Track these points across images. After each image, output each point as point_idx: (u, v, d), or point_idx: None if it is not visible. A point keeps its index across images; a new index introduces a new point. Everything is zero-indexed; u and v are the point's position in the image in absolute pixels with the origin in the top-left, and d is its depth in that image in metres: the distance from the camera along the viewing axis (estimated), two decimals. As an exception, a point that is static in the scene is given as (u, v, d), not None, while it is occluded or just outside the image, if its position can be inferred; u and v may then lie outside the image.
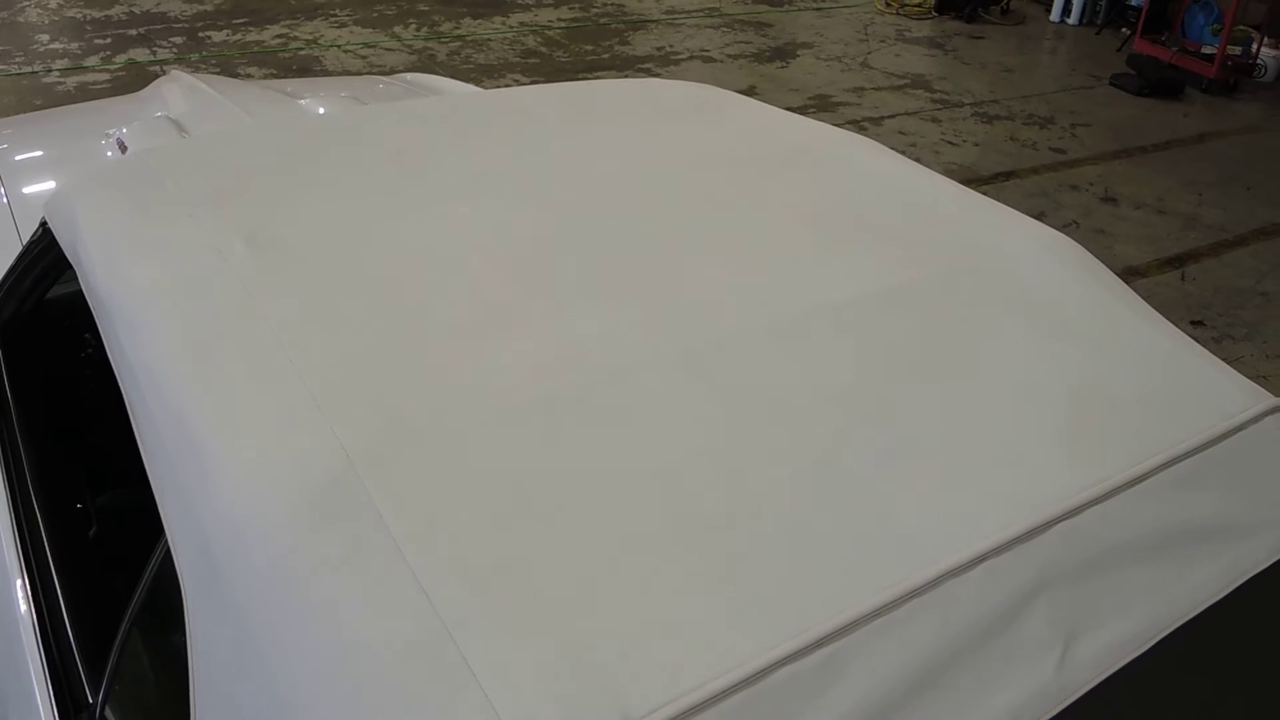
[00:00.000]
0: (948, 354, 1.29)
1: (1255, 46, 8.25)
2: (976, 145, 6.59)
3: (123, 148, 2.83)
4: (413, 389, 1.14)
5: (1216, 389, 1.35)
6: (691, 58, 7.96)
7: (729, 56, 8.08)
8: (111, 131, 3.01)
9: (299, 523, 0.99)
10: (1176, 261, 5.24)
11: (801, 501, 1.06)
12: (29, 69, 6.41)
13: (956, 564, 1.01)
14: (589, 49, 7.95)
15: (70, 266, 1.74)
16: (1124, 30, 9.18)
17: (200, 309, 1.26)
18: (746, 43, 8.51)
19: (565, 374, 1.18)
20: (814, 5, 9.79)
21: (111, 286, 1.35)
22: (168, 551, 1.19)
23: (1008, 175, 6.13)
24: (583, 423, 1.11)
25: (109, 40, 7.07)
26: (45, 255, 1.75)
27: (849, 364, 1.25)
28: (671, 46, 8.21)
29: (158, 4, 8.05)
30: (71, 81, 6.30)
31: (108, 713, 1.32)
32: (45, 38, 7.01)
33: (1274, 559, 1.21)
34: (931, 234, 1.56)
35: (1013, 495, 1.10)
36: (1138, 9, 8.85)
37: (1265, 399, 1.36)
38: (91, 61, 6.62)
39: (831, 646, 0.93)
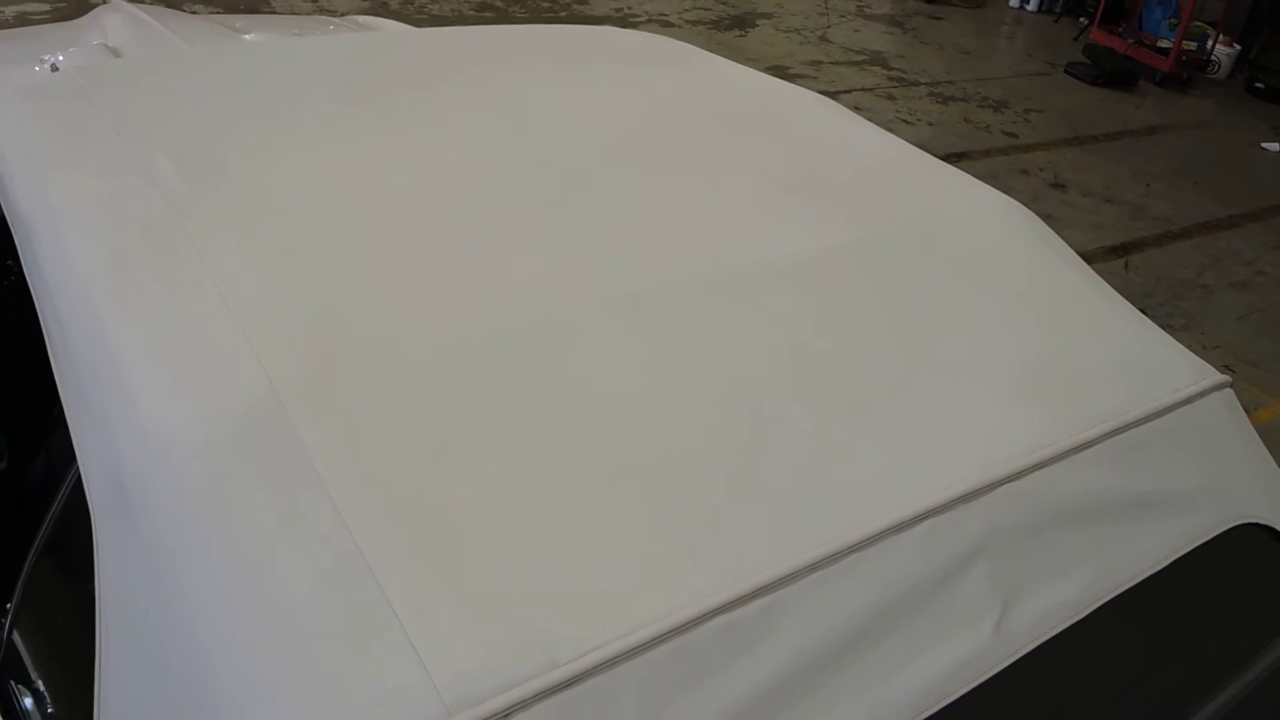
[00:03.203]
0: (896, 313, 1.26)
1: (1210, 43, 8.35)
2: (931, 125, 6.59)
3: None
4: (342, 321, 1.08)
5: (1166, 363, 1.34)
6: (650, 21, 7.87)
7: (687, 22, 8.01)
8: (47, 58, 2.88)
9: (217, 449, 0.94)
10: (1121, 250, 5.30)
11: (741, 452, 1.03)
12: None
13: (898, 521, 0.99)
14: (546, 6, 7.83)
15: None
16: (1082, 20, 9.25)
17: (123, 228, 1.19)
18: (706, 9, 8.44)
19: (502, 314, 1.13)
20: (777, -23, 9.74)
21: (32, 202, 1.27)
22: (78, 481, 1.13)
23: (960, 156, 6.14)
24: (517, 363, 1.07)
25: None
26: None
27: (795, 318, 1.21)
28: (630, 9, 8.11)
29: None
30: (10, 11, 6.07)
31: (15, 641, 1.26)
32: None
33: (1215, 532, 1.20)
34: (887, 194, 1.53)
35: (957, 455, 1.08)
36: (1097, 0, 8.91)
37: (1213, 375, 1.35)
38: (34, -9, 6.38)
39: (767, 598, 0.90)
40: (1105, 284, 1.49)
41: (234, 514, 0.90)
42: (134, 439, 0.97)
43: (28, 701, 1.21)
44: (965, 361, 1.21)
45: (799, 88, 1.95)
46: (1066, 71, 8.07)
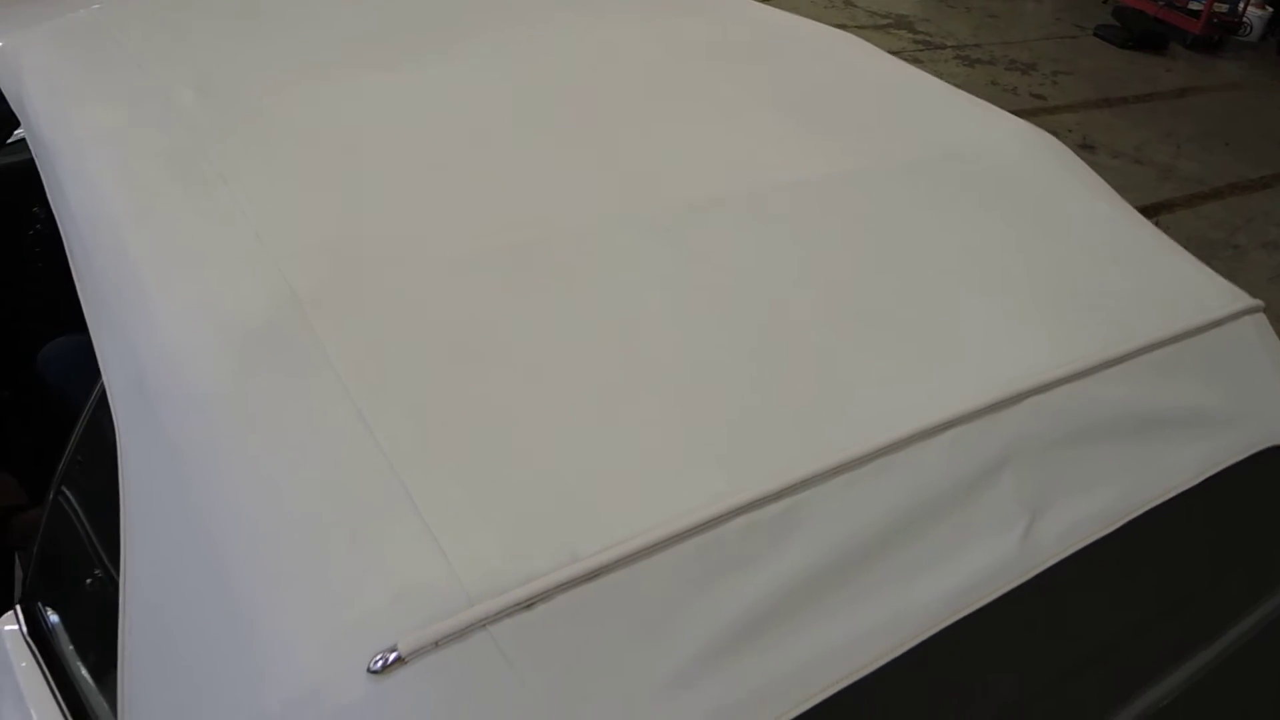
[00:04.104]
0: (920, 233, 1.25)
1: (1242, 5, 8.21)
2: (958, 87, 6.52)
3: None
4: (364, 236, 1.08)
5: (1196, 286, 1.32)
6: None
7: (713, -11, 7.93)
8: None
9: (240, 355, 0.94)
10: (1151, 211, 5.23)
11: (763, 360, 1.02)
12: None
13: (923, 428, 0.98)
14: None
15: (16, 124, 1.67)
16: (1111, -17, 9.10)
17: (146, 151, 1.19)
18: (731, -24, 8.36)
19: (522, 229, 1.13)
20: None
21: (56, 131, 1.28)
22: (100, 399, 1.14)
23: (988, 119, 6.07)
24: (538, 274, 1.07)
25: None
26: None
27: (817, 235, 1.20)
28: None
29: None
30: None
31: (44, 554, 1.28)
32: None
33: (1244, 455, 1.19)
34: (913, 122, 1.51)
35: (984, 368, 1.07)
36: (1126, -39, 8.76)
37: (1244, 299, 1.33)
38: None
39: (791, 499, 0.89)
40: (1134, 210, 1.47)
41: (255, 414, 0.90)
42: (156, 344, 0.98)
43: (54, 619, 1.22)
44: (991, 279, 1.20)
45: (825, 25, 1.93)
46: (1095, 34, 7.95)
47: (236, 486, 0.87)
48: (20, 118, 1.41)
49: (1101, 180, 1.53)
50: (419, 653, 0.75)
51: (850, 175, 1.32)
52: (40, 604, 1.25)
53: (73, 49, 1.46)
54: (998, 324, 1.13)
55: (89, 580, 1.19)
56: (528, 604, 0.78)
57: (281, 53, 1.47)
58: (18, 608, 1.25)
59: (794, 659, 0.84)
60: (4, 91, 1.47)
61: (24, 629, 1.22)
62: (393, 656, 0.75)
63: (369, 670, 0.75)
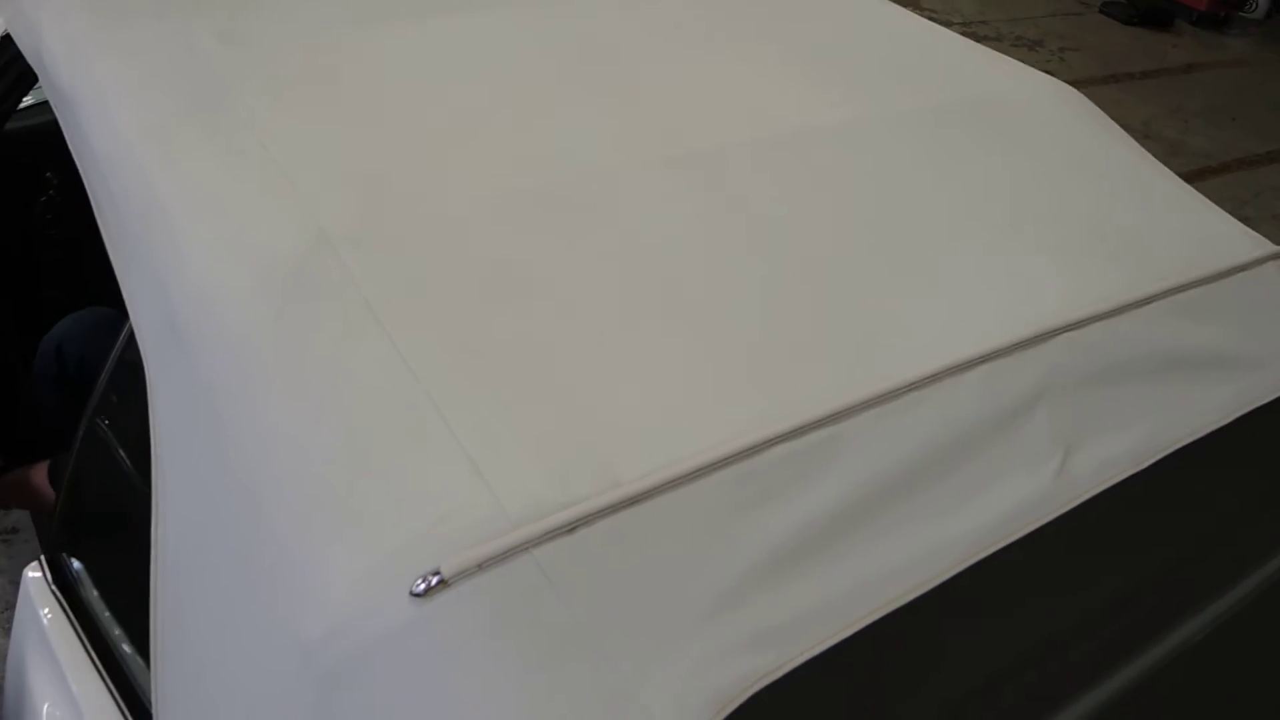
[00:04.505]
0: (947, 175, 1.25)
1: (1248, -19, 8.16)
2: (964, 65, 6.49)
3: None
4: (393, 174, 1.08)
5: (1221, 233, 1.32)
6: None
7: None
8: None
9: (272, 289, 0.94)
10: (1159, 185, 5.21)
11: (797, 296, 1.02)
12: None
13: (956, 362, 0.98)
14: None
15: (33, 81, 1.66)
16: (1116, -41, 9.05)
17: (170, 95, 1.18)
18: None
19: (550, 170, 1.12)
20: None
21: (76, 79, 1.27)
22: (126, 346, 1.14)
23: (994, 95, 6.05)
24: (568, 211, 1.06)
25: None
26: (5, 74, 1.66)
27: (845, 176, 1.20)
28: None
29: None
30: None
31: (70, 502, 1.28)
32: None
33: (1272, 396, 1.18)
34: (938, 71, 1.51)
35: (1014, 305, 1.07)
36: (1132, -62, 8.71)
37: (1268, 245, 1.33)
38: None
39: (828, 429, 0.89)
40: (1157, 161, 1.47)
41: (288, 347, 0.90)
42: (186, 283, 0.97)
43: (80, 568, 1.22)
44: (1019, 220, 1.20)
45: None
46: (1101, 11, 7.91)
47: (271, 419, 0.87)
48: (39, 72, 1.40)
49: (1124, 132, 1.52)
50: (462, 575, 0.75)
51: (878, 119, 1.32)
52: (65, 555, 1.25)
53: (90, 3, 1.45)
54: (1026, 263, 1.13)
55: (116, 527, 1.19)
56: (570, 528, 0.78)
57: (303, 6, 1.46)
58: (42, 558, 1.25)
59: (835, 587, 0.84)
60: (22, 48, 1.46)
61: (49, 578, 1.22)
62: (435, 579, 0.74)
63: (411, 594, 0.74)
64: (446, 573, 0.74)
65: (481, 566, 0.75)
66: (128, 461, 1.17)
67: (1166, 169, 1.46)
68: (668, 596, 0.78)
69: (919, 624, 0.87)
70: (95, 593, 1.20)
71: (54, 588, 1.21)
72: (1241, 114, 6.33)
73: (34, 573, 1.22)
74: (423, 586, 0.74)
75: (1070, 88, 1.56)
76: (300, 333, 0.91)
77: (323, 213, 1.00)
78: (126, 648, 1.14)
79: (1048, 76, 1.58)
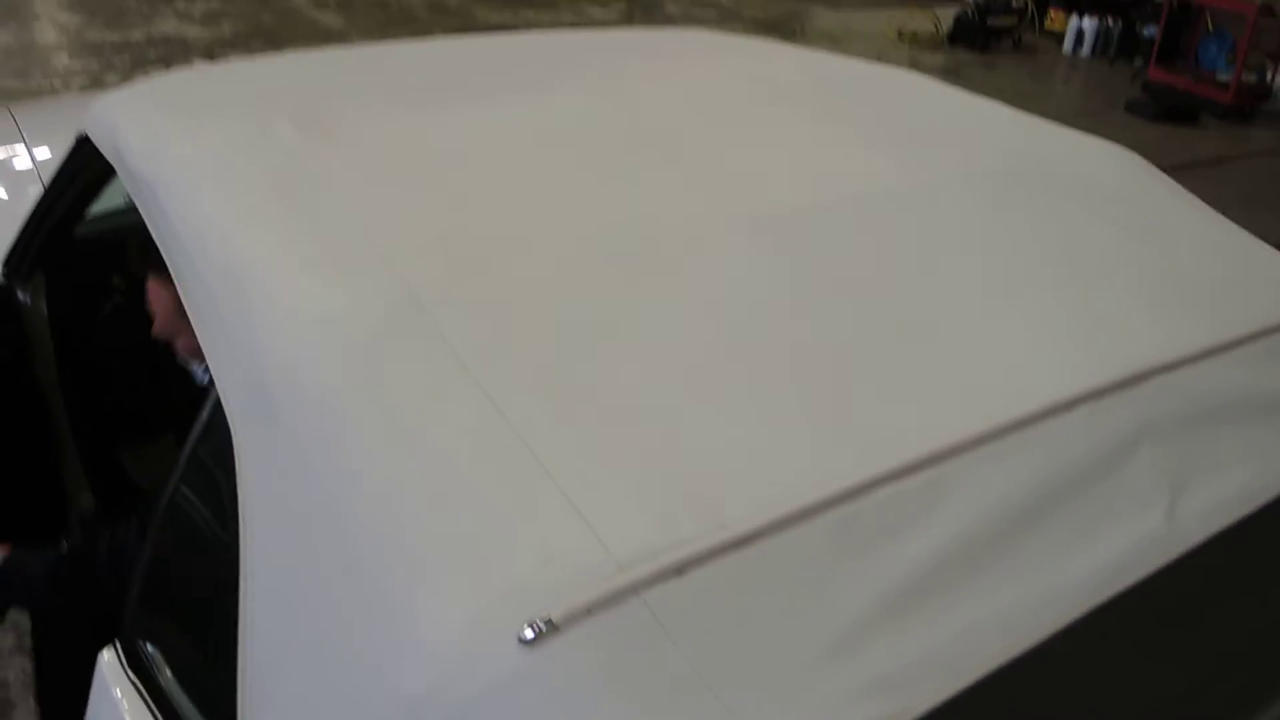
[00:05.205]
0: (1024, 231, 1.25)
1: (1270, 74, 8.27)
2: (994, 164, 6.57)
3: None
4: (473, 236, 1.09)
5: None
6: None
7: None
8: None
9: (362, 349, 0.94)
10: (1200, 273, 5.19)
11: (887, 342, 1.01)
12: (47, 84, 6.44)
13: (1056, 402, 0.95)
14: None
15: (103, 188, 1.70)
16: (1137, 62, 9.21)
17: (248, 169, 1.22)
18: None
19: (633, 230, 1.13)
20: (826, 34, 9.85)
21: (158, 165, 1.30)
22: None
23: (1027, 192, 6.10)
24: (652, 268, 1.07)
25: (127, 60, 7.10)
26: (81, 174, 1.71)
27: (924, 234, 1.20)
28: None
29: (177, 29, 8.10)
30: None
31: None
32: (64, 57, 7.05)
33: None
34: (1004, 137, 1.53)
35: (1102, 348, 1.05)
36: (1150, 40, 8.87)
37: None
38: (111, 79, 6.64)
39: (933, 470, 0.87)
40: (1223, 217, 1.47)
41: (382, 402, 0.90)
42: (274, 343, 0.98)
43: (155, 654, 1.20)
44: (1096, 269, 1.19)
45: (894, 68, 1.95)
46: (1127, 109, 8.02)
47: (363, 472, 0.86)
48: (117, 165, 1.44)
49: (1187, 190, 1.52)
50: (572, 620, 0.72)
51: (950, 179, 1.33)
52: (139, 638, 1.22)
53: (168, 97, 1.50)
54: (1109, 310, 1.12)
55: (193, 607, 1.17)
56: (679, 570, 0.76)
57: (370, 99, 1.50)
58: (116, 643, 1.23)
59: (950, 634, 0.80)
60: (100, 145, 1.51)
61: (124, 662, 1.20)
62: (546, 625, 0.72)
63: (520, 640, 0.72)
64: (557, 617, 0.72)
65: (591, 611, 0.73)
66: (205, 538, 1.15)
67: (1235, 225, 1.45)
68: (781, 641, 0.75)
69: (1039, 672, 0.83)
70: (171, 674, 1.17)
71: (129, 672, 1.18)
72: (1277, 203, 6.33)
73: (109, 655, 1.19)
74: (532, 634, 0.72)
75: (1131, 151, 1.57)
76: (393, 387, 0.90)
77: (411, 273, 1.01)
78: None
79: (1106, 141, 1.59)
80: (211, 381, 1.29)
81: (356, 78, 1.64)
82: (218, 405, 1.04)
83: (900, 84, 1.79)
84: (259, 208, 1.14)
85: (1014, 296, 1.11)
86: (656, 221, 1.16)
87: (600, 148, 1.36)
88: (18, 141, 2.74)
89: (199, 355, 1.46)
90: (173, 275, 1.17)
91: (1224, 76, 8.12)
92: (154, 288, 1.62)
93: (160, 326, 1.65)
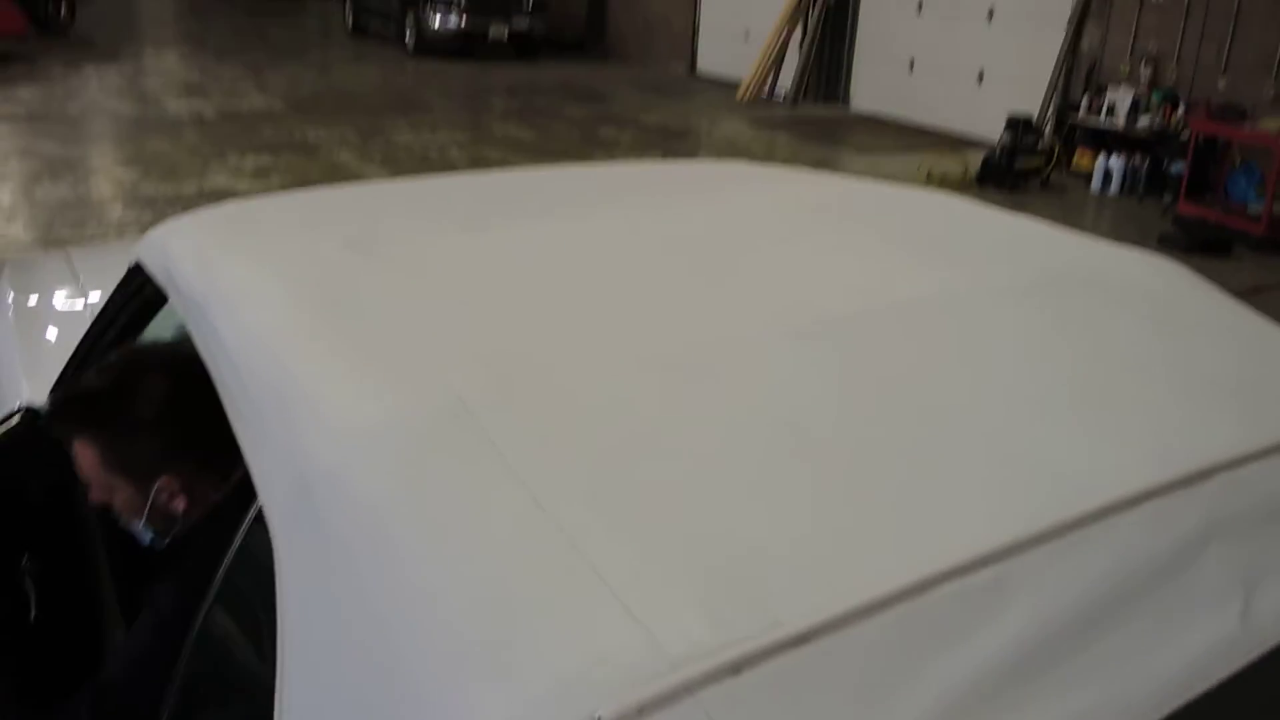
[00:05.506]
0: (1068, 337, 1.24)
1: (1301, 205, 8.30)
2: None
3: None
4: (520, 348, 1.10)
5: None
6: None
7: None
8: None
9: (409, 447, 0.93)
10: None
11: (945, 439, 0.99)
12: (101, 233, 6.67)
13: (1118, 499, 0.93)
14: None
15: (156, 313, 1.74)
16: (1166, 197, 9.30)
17: (297, 288, 1.24)
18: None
19: (671, 338, 1.14)
20: (865, 169, 10.05)
21: (207, 285, 1.33)
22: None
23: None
24: (697, 373, 1.07)
25: (180, 211, 7.35)
26: (131, 302, 1.75)
27: (969, 339, 1.20)
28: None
29: (229, 183, 8.41)
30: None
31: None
32: (119, 208, 7.32)
33: None
34: (1049, 250, 1.54)
35: (1166, 447, 1.03)
36: (1178, 177, 8.97)
37: None
38: (162, 229, 6.85)
39: (998, 566, 0.84)
40: (1271, 321, 1.46)
41: (431, 503, 0.89)
42: (318, 452, 0.97)
43: None
44: (1154, 372, 1.18)
45: (922, 190, 1.98)
46: (1160, 243, 8.04)
47: (411, 576, 0.84)
48: (168, 289, 1.47)
49: (1228, 295, 1.52)
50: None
51: (996, 288, 1.34)
52: None
53: (217, 225, 1.55)
54: (1163, 409, 1.11)
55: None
56: (735, 668, 0.73)
57: (420, 218, 1.54)
58: None
59: None
60: (151, 270, 1.55)
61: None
62: None
63: None
64: (608, 717, 0.69)
65: (642, 711, 0.70)
66: (241, 650, 1.14)
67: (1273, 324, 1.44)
68: (843, 744, 0.72)
69: None
70: None
71: None
72: (1318, 330, 6.27)
73: None
74: None
75: (1174, 262, 1.57)
76: (440, 490, 0.90)
77: (458, 381, 1.02)
78: None
79: (1150, 253, 1.59)
80: (155, 543, 1.37)
81: (404, 205, 1.68)
82: (252, 523, 1.04)
83: (941, 205, 1.81)
84: (306, 322, 1.16)
85: (1068, 398, 1.10)
86: (701, 329, 1.17)
87: (644, 264, 1.38)
88: (72, 283, 2.81)
89: (138, 511, 1.45)
90: (219, 391, 1.18)
91: (1255, 209, 8.16)
92: (80, 451, 1.49)
93: (96, 491, 1.52)
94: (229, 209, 1.67)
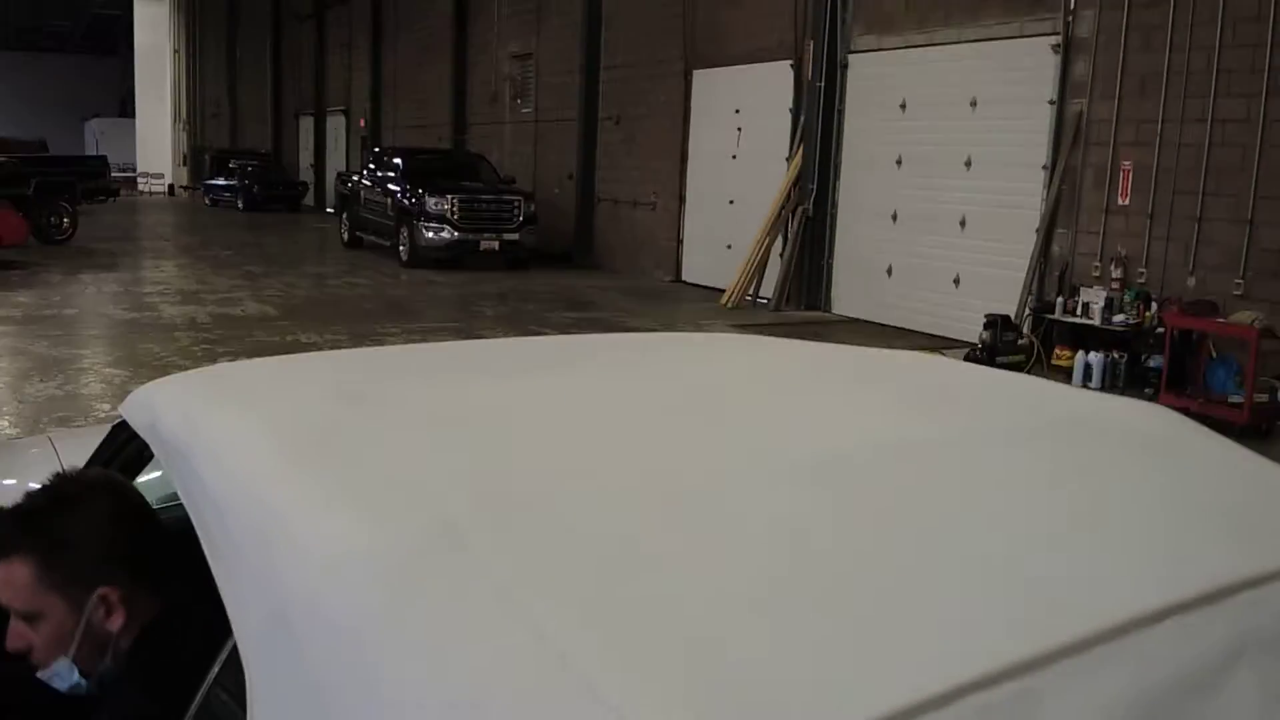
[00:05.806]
0: (1078, 471, 1.23)
1: (1281, 394, 8.42)
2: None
3: None
4: (505, 480, 1.09)
5: None
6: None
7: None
8: None
9: (392, 575, 0.90)
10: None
11: (952, 564, 0.97)
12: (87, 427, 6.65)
13: (1142, 613, 0.89)
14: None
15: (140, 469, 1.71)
16: (1147, 391, 9.41)
17: (287, 430, 1.23)
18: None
19: (668, 471, 1.13)
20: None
21: (191, 436, 1.31)
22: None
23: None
24: (687, 502, 1.05)
25: (168, 411, 7.36)
26: (114, 460, 1.72)
27: (984, 473, 1.19)
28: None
29: (234, 358, 8.47)
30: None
31: None
32: (107, 405, 7.32)
33: None
34: (1045, 398, 1.56)
35: (1184, 567, 1.00)
36: (1157, 370, 9.11)
37: None
38: (149, 428, 6.85)
39: (1025, 679, 0.79)
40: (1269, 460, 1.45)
41: (413, 626, 0.84)
42: (297, 582, 0.94)
43: None
44: (1162, 501, 1.16)
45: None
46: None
47: (393, 702, 0.79)
48: (152, 442, 1.44)
49: (1223, 436, 1.52)
50: None
51: (1001, 428, 1.35)
52: None
53: (200, 382, 1.55)
54: (1175, 535, 1.10)
55: None
56: None
57: (406, 374, 1.54)
58: None
59: None
60: (135, 425, 1.53)
61: None
62: None
63: None
64: None
65: None
66: None
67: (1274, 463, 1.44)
68: None
69: None
70: None
71: None
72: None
73: None
74: None
75: (1164, 407, 1.58)
76: (427, 613, 0.87)
77: (446, 507, 1.00)
78: None
79: (1151, 404, 1.62)
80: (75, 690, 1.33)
81: (396, 364, 1.69)
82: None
83: (935, 363, 1.83)
84: (292, 461, 1.16)
85: (1078, 524, 1.08)
86: (694, 465, 1.15)
87: (640, 410, 1.38)
88: (55, 465, 2.78)
89: (65, 642, 1.38)
90: (200, 536, 1.14)
91: (1235, 398, 8.26)
92: (13, 570, 1.41)
93: (13, 637, 1.43)
94: (217, 368, 1.68)
